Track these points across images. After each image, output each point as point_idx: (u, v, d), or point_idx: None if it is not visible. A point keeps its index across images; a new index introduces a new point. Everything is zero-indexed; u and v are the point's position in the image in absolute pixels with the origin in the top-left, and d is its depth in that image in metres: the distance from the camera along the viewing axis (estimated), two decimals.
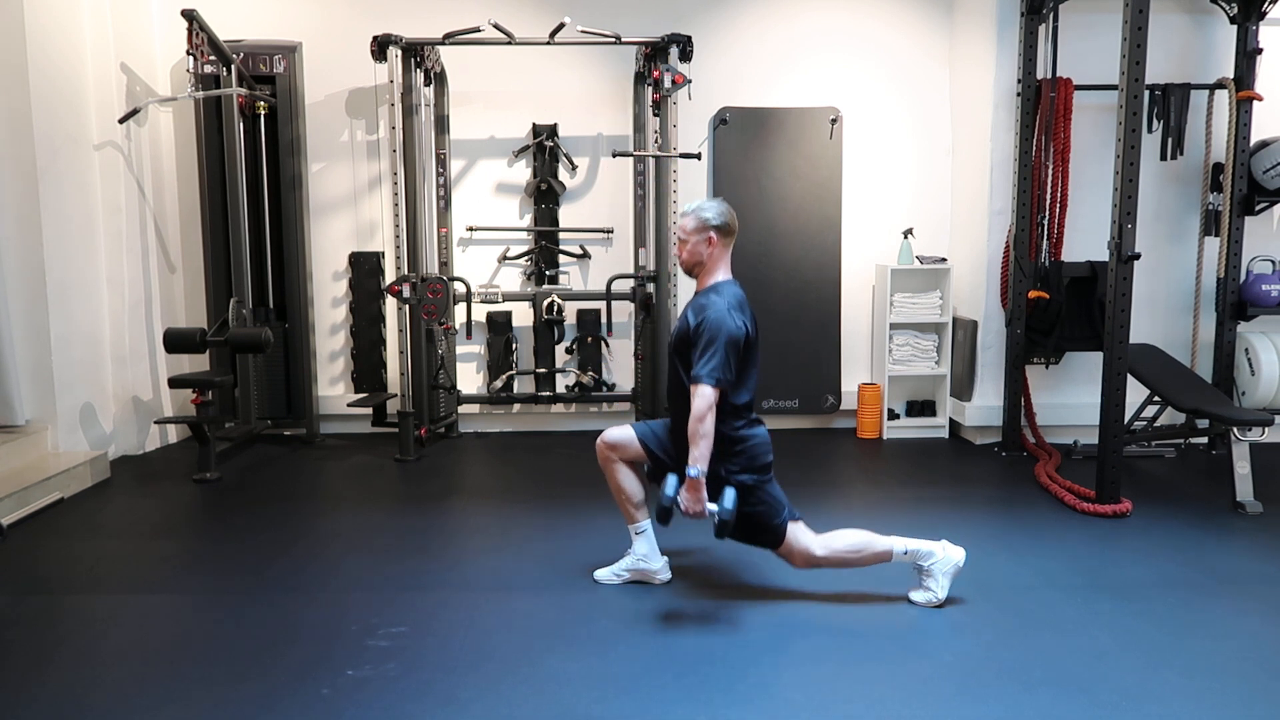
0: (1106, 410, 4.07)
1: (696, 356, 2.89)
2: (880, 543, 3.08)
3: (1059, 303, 5.12)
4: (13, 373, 4.57)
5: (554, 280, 5.75)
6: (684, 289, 5.60)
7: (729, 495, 2.89)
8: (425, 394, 5.37)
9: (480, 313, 5.71)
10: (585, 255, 5.79)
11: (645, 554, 3.24)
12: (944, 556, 3.08)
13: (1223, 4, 5.10)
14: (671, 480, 2.92)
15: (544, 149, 5.65)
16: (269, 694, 2.53)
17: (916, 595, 3.12)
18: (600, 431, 3.27)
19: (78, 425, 4.85)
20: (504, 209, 5.78)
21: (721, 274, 3.08)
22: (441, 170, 5.59)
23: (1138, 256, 3.99)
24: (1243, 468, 4.18)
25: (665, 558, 3.29)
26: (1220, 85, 5.18)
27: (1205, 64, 5.30)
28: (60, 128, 4.73)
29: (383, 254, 5.66)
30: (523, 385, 5.84)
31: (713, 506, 2.89)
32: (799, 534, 3.07)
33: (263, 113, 5.35)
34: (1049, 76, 5.09)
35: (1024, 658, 2.74)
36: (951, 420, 5.74)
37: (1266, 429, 4.36)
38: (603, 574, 3.30)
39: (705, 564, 3.50)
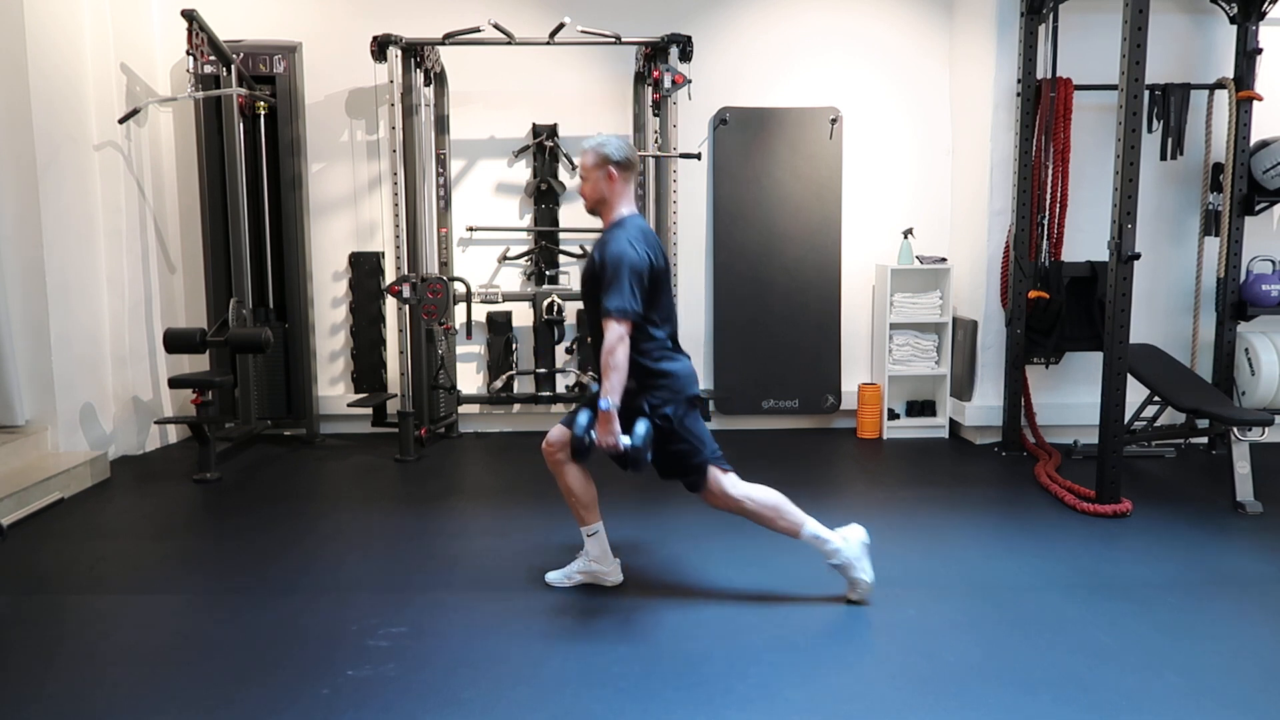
0: (1106, 410, 4.07)
1: (603, 292, 2.90)
2: (794, 515, 3.08)
3: (1059, 303, 5.12)
4: (13, 373, 4.57)
5: (554, 280, 5.75)
6: (683, 289, 5.61)
7: (641, 426, 2.90)
8: (425, 394, 5.37)
9: (480, 313, 5.71)
10: (585, 255, 5.79)
11: (597, 556, 3.23)
12: (847, 545, 3.07)
13: (1223, 4, 5.10)
14: (585, 414, 2.95)
15: (544, 149, 5.65)
16: (269, 694, 2.53)
17: (852, 594, 3.10)
18: None
19: (78, 425, 4.85)
20: (504, 209, 5.78)
21: (625, 209, 3.08)
22: (441, 170, 5.59)
23: (1138, 256, 3.99)
24: (1243, 468, 4.18)
25: (617, 560, 3.28)
26: (1220, 85, 5.18)
27: (1205, 64, 5.30)
28: (60, 127, 4.73)
29: (383, 254, 5.66)
30: (523, 385, 5.84)
31: (626, 439, 2.88)
32: (719, 477, 3.08)
33: (263, 113, 5.35)
34: (1049, 76, 5.09)
35: (1024, 658, 2.74)
36: (951, 420, 5.74)
37: (1266, 429, 4.37)
38: (554, 576, 3.30)
39: (704, 566, 3.50)
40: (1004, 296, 5.33)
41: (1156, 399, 4.83)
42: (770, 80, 5.72)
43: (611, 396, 2.85)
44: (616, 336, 2.85)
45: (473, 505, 4.43)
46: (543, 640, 2.88)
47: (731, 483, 3.10)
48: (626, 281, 2.86)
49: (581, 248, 5.76)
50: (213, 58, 4.98)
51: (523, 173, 5.75)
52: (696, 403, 3.10)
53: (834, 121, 5.65)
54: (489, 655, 2.76)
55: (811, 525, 3.09)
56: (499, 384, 5.70)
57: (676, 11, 5.59)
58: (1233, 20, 5.12)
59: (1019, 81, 5.14)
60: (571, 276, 5.80)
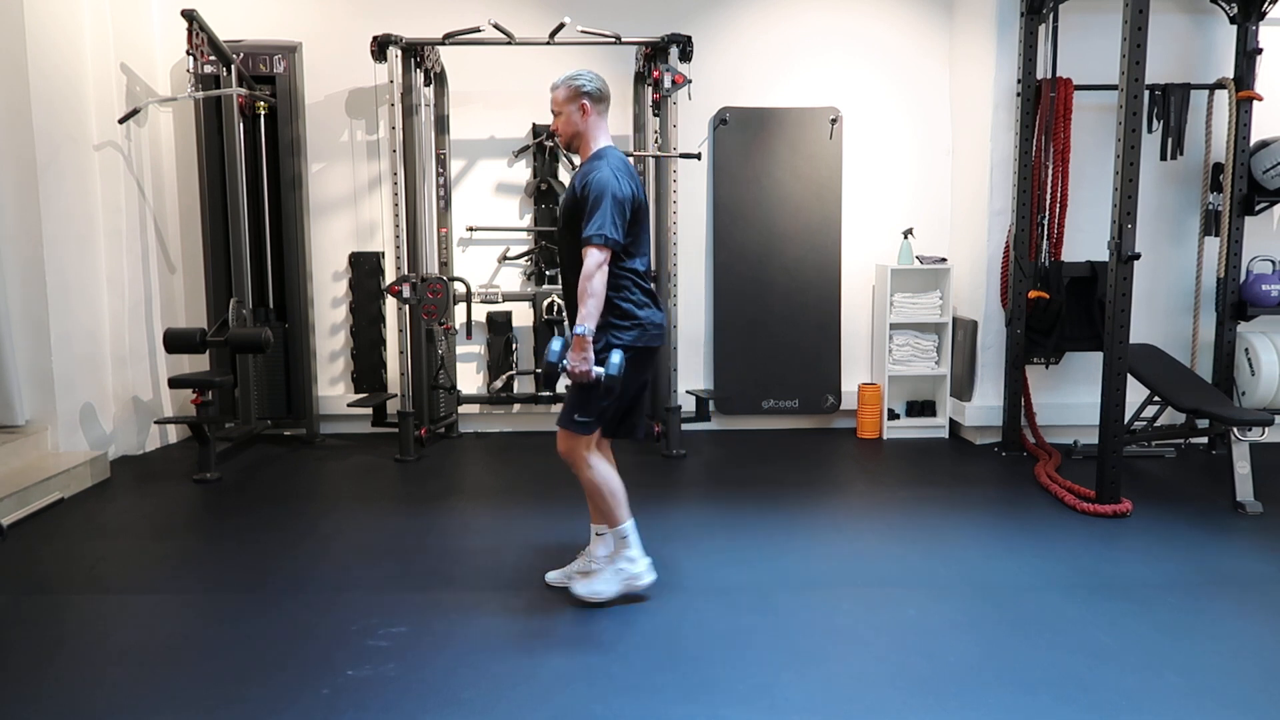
0: (1106, 410, 4.07)
1: (585, 220, 2.89)
2: (623, 509, 3.08)
3: (1059, 303, 5.12)
4: (13, 373, 4.57)
5: (554, 280, 5.75)
6: (683, 288, 5.61)
7: (615, 355, 2.87)
8: (425, 394, 5.37)
9: (480, 313, 5.71)
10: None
11: (600, 557, 3.21)
12: (638, 570, 3.10)
13: (1223, 4, 5.10)
14: (557, 341, 2.93)
15: (544, 149, 5.65)
16: (269, 694, 2.53)
17: (578, 586, 3.11)
18: None
19: (78, 425, 4.85)
20: (504, 209, 5.78)
21: (603, 141, 3.09)
22: (441, 170, 5.59)
23: (1138, 256, 3.99)
24: (1243, 468, 4.18)
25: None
26: (1220, 85, 5.18)
27: (1205, 64, 5.30)
28: (60, 127, 4.73)
29: (383, 254, 5.66)
30: (523, 385, 5.84)
31: (599, 369, 2.87)
32: (593, 441, 3.05)
33: (263, 113, 5.35)
34: (1049, 76, 5.09)
35: (1024, 658, 2.74)
36: (951, 420, 5.74)
37: (1266, 429, 4.36)
38: (554, 576, 3.29)
39: (703, 566, 3.50)
40: (1004, 296, 5.33)
41: (1156, 399, 4.83)
42: (770, 80, 5.72)
43: (588, 323, 2.83)
44: (596, 263, 2.85)
45: (473, 505, 4.43)
46: (542, 640, 2.88)
47: (597, 449, 3.09)
48: (609, 209, 2.86)
49: None
50: (213, 58, 4.98)
51: (523, 173, 5.75)
52: (653, 356, 3.10)
53: (834, 121, 5.65)
54: (489, 655, 2.76)
55: (631, 528, 3.10)
56: (499, 384, 5.70)
57: (676, 11, 5.59)
58: (1233, 20, 5.12)
59: (1019, 81, 5.14)
60: None
